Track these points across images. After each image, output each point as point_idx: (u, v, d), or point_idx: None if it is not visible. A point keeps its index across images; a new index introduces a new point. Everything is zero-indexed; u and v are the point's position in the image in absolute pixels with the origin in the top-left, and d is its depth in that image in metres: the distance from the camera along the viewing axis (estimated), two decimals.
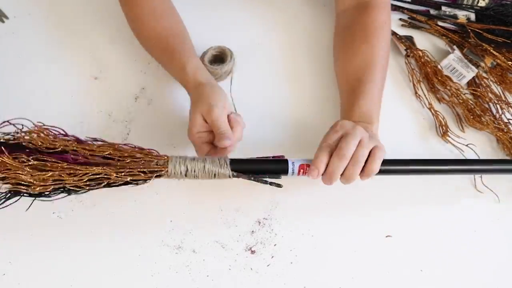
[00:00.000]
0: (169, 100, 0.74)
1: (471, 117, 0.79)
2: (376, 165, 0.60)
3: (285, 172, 0.61)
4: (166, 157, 0.59)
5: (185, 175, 0.59)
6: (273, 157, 0.63)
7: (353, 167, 0.59)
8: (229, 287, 0.64)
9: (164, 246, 0.65)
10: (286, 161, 0.62)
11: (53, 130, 0.58)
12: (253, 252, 0.66)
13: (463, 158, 0.76)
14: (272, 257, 0.66)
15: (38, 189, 0.54)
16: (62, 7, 0.81)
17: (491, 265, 0.70)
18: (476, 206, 0.74)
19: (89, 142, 0.58)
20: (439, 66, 0.82)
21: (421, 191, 0.73)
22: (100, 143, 0.58)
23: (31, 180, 0.54)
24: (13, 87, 0.74)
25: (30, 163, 0.54)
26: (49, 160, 0.54)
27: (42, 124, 0.57)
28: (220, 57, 0.76)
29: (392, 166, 0.65)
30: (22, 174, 0.53)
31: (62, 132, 0.58)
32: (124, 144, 0.59)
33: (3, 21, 0.73)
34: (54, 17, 0.80)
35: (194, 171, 0.59)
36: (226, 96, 0.65)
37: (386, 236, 0.69)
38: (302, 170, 0.61)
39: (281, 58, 0.82)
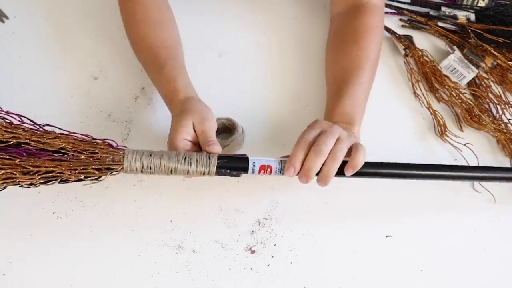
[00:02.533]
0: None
1: (469, 117, 0.79)
2: (361, 157, 0.58)
3: (246, 170, 0.59)
4: (122, 152, 0.57)
5: (141, 172, 0.57)
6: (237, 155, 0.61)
7: (331, 163, 0.57)
8: (229, 287, 0.64)
9: (164, 246, 0.65)
10: (247, 159, 0.60)
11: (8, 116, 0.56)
12: (253, 252, 0.66)
13: (462, 158, 0.76)
14: (272, 257, 0.66)
15: None
16: (62, 7, 0.81)
17: (491, 265, 0.70)
18: (476, 206, 0.74)
19: (42, 132, 0.56)
20: (438, 66, 0.82)
21: (421, 191, 0.73)
22: (52, 133, 0.56)
23: None
24: (13, 87, 0.74)
25: None
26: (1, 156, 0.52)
27: None
28: (228, 129, 0.72)
29: (384, 170, 0.64)
30: None
31: (18, 119, 0.56)
32: (82, 135, 0.58)
33: (3, 21, 0.73)
34: (54, 17, 0.80)
35: (150, 168, 0.57)
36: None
37: (386, 236, 0.69)
38: (262, 171, 0.60)
39: (280, 58, 0.82)
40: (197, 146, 0.61)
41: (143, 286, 0.63)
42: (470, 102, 0.80)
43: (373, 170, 0.63)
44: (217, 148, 0.59)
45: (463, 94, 0.81)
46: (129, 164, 0.56)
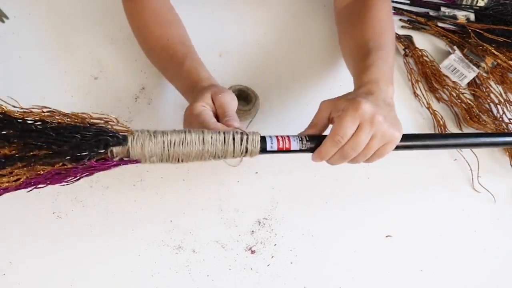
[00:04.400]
0: (169, 100, 0.74)
1: (468, 117, 0.79)
2: (377, 159, 0.58)
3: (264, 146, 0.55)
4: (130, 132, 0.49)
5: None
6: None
7: (353, 161, 0.58)
8: (229, 287, 0.64)
9: (164, 246, 0.65)
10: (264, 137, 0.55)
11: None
12: (253, 252, 0.66)
13: (462, 158, 0.76)
14: (272, 257, 0.66)
15: None
16: (62, 7, 0.81)
17: (491, 265, 0.70)
18: (476, 206, 0.74)
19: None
20: (438, 66, 0.82)
21: (421, 191, 0.73)
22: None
23: None
24: (13, 87, 0.74)
25: None
26: None
27: None
28: (243, 96, 0.73)
29: None
30: None
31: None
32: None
33: (3, 21, 0.73)
34: (54, 17, 0.80)
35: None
36: None
37: (386, 236, 0.69)
38: (281, 142, 0.55)
39: (280, 58, 0.82)
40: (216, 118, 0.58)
41: (143, 286, 0.63)
42: (470, 102, 0.80)
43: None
44: (236, 124, 0.56)
45: (462, 94, 0.81)
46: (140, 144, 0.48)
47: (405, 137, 0.60)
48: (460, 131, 0.79)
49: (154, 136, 0.50)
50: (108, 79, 0.76)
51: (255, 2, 0.86)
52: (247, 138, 0.53)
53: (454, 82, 0.82)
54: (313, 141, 0.57)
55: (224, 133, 0.53)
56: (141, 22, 0.72)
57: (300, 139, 0.57)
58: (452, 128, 0.79)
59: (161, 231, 0.66)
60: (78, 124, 0.49)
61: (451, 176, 0.75)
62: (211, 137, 0.51)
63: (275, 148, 0.55)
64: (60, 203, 0.66)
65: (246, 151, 0.53)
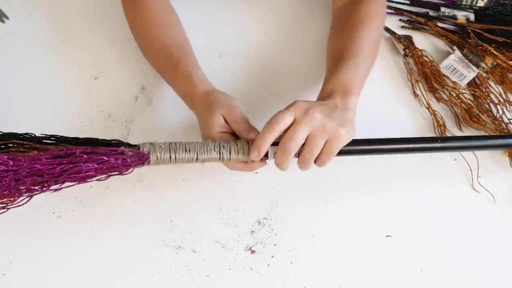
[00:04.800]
0: (169, 100, 0.74)
1: (468, 117, 0.79)
2: (327, 158, 0.58)
3: None
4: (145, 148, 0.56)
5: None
6: None
7: (300, 163, 0.58)
8: (229, 287, 0.64)
9: (164, 246, 0.65)
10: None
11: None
12: (253, 252, 0.66)
13: (462, 158, 0.76)
14: (272, 257, 0.66)
15: None
16: (62, 7, 0.81)
17: (491, 265, 0.70)
18: (476, 206, 0.74)
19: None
20: (437, 66, 0.82)
21: (421, 191, 0.73)
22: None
23: None
24: (13, 87, 0.74)
25: None
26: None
27: None
28: None
29: (365, 146, 0.63)
30: None
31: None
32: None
33: (3, 21, 0.73)
34: (54, 17, 0.80)
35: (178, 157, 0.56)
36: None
37: (386, 236, 0.69)
38: None
39: (280, 58, 0.82)
40: (235, 136, 0.61)
41: (143, 286, 0.63)
42: (469, 102, 0.80)
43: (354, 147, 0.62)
44: (257, 134, 0.58)
45: (462, 94, 0.81)
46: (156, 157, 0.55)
47: (405, 141, 0.61)
48: (460, 131, 0.79)
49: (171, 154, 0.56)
50: (108, 79, 0.76)
51: (255, 2, 0.86)
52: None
53: (454, 82, 0.82)
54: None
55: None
56: (138, 24, 0.72)
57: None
58: (452, 128, 0.79)
59: (161, 231, 0.66)
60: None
61: (451, 176, 0.75)
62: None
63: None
64: (60, 203, 0.66)
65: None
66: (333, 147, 0.57)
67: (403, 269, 0.68)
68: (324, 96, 0.63)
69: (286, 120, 0.56)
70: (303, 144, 0.57)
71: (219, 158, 0.58)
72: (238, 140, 0.59)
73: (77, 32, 0.79)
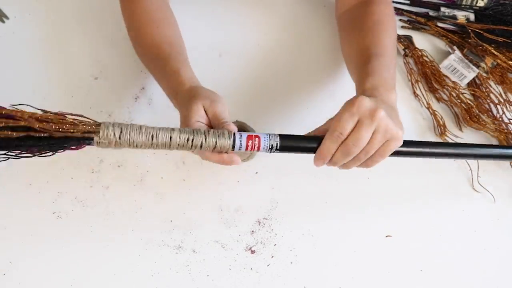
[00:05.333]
0: (169, 100, 0.74)
1: (468, 117, 0.79)
2: (380, 158, 0.56)
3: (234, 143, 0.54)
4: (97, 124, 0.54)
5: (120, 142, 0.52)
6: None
7: (354, 162, 0.56)
8: (229, 287, 0.64)
9: (164, 246, 0.65)
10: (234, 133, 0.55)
11: None
12: (253, 252, 0.66)
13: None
14: (272, 257, 0.66)
15: None
16: (62, 8, 0.81)
17: (491, 265, 0.70)
18: (476, 206, 0.74)
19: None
20: (437, 66, 0.82)
21: (421, 192, 0.73)
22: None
23: None
24: (13, 87, 0.74)
25: None
26: None
27: None
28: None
29: None
30: None
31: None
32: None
33: (3, 21, 0.73)
34: (54, 17, 0.80)
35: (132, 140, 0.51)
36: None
37: (386, 236, 0.69)
38: (250, 141, 0.54)
39: (280, 58, 0.82)
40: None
41: (143, 286, 0.63)
42: (469, 102, 0.80)
43: None
44: (232, 128, 0.56)
45: (462, 94, 0.81)
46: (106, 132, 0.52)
47: (407, 143, 0.59)
48: (460, 131, 0.79)
49: (120, 137, 0.52)
50: (108, 79, 0.76)
51: (255, 2, 0.86)
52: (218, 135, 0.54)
53: (454, 82, 0.82)
54: (312, 142, 0.56)
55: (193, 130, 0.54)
56: (132, 21, 0.72)
57: (270, 137, 0.55)
58: (452, 128, 0.79)
59: (161, 231, 0.66)
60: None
61: (451, 176, 0.75)
62: (180, 137, 0.53)
63: (244, 146, 0.54)
64: (60, 203, 0.66)
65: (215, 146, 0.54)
66: (389, 148, 0.55)
67: (403, 269, 0.68)
68: (366, 93, 0.59)
69: (350, 125, 0.53)
70: None
71: (178, 145, 0.53)
72: (208, 129, 0.55)
73: (77, 32, 0.79)
